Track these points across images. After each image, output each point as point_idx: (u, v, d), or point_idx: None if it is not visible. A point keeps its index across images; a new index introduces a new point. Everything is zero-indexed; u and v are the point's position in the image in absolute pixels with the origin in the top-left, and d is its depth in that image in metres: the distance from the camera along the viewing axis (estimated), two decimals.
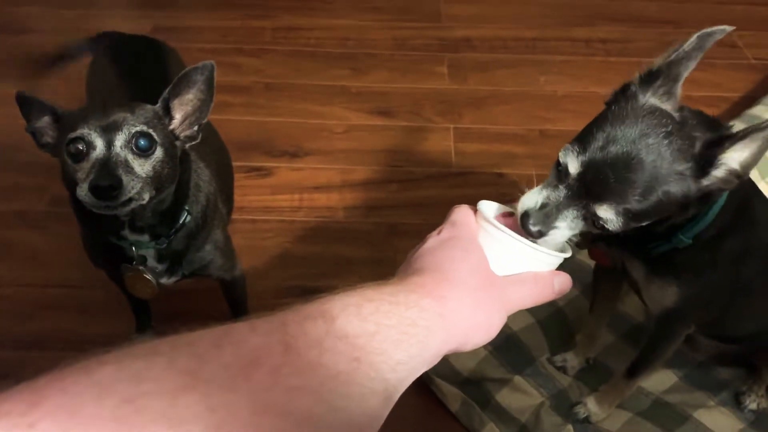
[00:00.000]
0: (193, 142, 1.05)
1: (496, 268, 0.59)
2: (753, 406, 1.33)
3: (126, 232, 1.05)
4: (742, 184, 0.90)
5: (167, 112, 1.01)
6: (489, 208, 0.67)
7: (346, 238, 1.74)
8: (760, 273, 1.08)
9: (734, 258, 1.02)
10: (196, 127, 1.03)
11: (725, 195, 0.92)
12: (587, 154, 0.78)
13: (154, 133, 0.95)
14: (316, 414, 0.41)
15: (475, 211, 0.64)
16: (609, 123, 0.79)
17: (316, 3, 2.68)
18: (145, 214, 1.03)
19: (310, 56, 2.42)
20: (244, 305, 1.38)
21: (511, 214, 0.72)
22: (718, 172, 0.79)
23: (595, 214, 0.78)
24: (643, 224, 0.82)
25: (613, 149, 0.77)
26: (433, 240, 0.59)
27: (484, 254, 0.59)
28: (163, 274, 1.14)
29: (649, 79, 0.81)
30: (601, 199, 0.77)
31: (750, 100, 2.13)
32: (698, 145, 0.78)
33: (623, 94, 0.83)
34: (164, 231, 1.07)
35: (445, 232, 0.60)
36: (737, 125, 0.89)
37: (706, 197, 0.82)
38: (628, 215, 0.78)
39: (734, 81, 2.26)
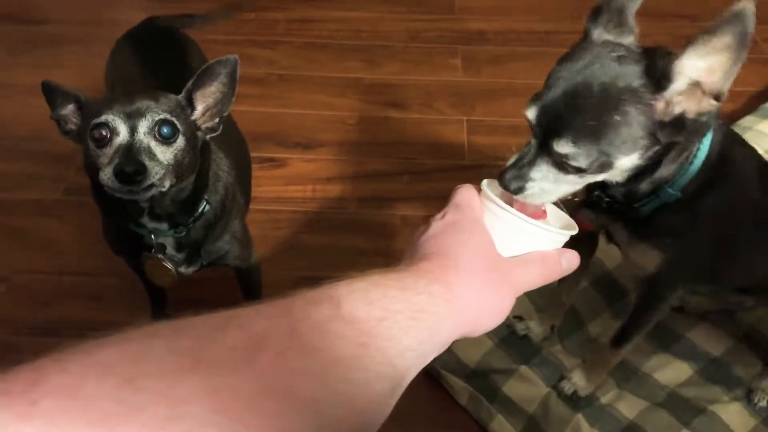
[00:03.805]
0: (214, 134, 1.06)
1: (502, 249, 0.58)
2: (763, 403, 1.32)
3: (145, 220, 1.06)
4: (723, 137, 0.90)
5: (190, 103, 1.02)
6: (493, 186, 0.65)
7: (358, 229, 1.74)
8: (748, 229, 1.05)
9: (715, 218, 0.99)
10: (217, 119, 1.04)
11: (707, 144, 0.90)
12: (541, 100, 0.79)
13: (177, 122, 0.96)
14: (320, 398, 0.41)
15: (479, 190, 0.63)
16: (559, 64, 0.80)
17: None
18: (165, 202, 1.04)
19: (324, 48, 2.42)
20: (259, 293, 1.39)
21: None
22: (678, 85, 0.74)
23: (558, 154, 0.77)
24: (621, 162, 0.80)
25: (562, 84, 0.77)
26: (437, 224, 0.58)
27: (490, 236, 0.58)
28: (182, 263, 1.15)
29: (596, 15, 0.81)
30: (557, 134, 0.77)
31: (767, 94, 2.12)
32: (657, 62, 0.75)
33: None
34: (183, 220, 1.08)
35: (450, 215, 0.59)
36: (753, 120, 0.89)
37: (678, 123, 0.78)
38: (590, 146, 0.76)
39: (751, 75, 2.23)
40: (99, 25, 2.40)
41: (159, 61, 1.39)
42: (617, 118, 0.75)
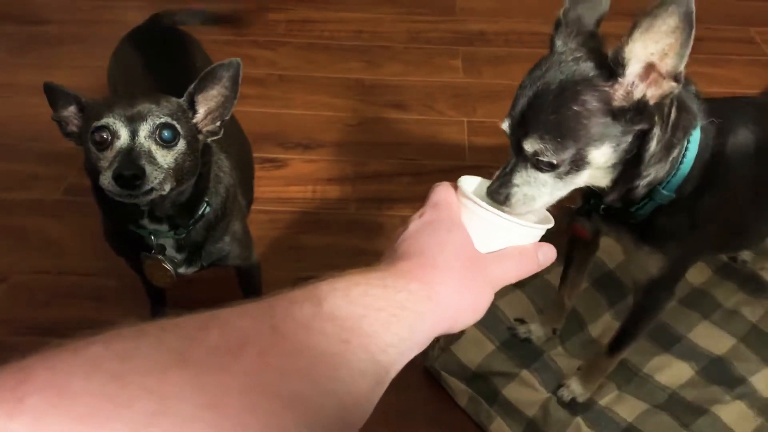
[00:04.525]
0: (215, 137, 1.06)
1: (480, 246, 0.59)
2: None
3: (145, 222, 1.06)
4: (717, 134, 0.91)
5: (191, 106, 1.02)
6: (470, 183, 0.66)
7: (358, 230, 1.74)
8: (752, 209, 1.07)
9: (716, 214, 1.01)
10: (218, 123, 1.04)
11: (695, 143, 0.91)
12: (512, 112, 0.83)
13: (178, 125, 0.96)
14: (305, 395, 0.41)
15: (456, 187, 0.63)
16: (526, 77, 0.83)
17: None
18: (165, 205, 1.04)
19: (324, 49, 2.42)
20: (259, 294, 1.37)
21: None
22: (633, 69, 0.76)
23: (529, 153, 0.81)
24: (593, 155, 0.81)
25: (527, 92, 0.81)
26: (415, 223, 0.59)
27: (467, 233, 0.59)
28: (181, 264, 1.15)
29: (557, 27, 0.85)
30: (525, 134, 0.80)
31: None
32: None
33: None
34: (183, 221, 1.08)
35: (428, 214, 0.60)
36: None
37: (641, 109, 0.79)
38: (555, 138, 0.79)
39: (752, 77, 2.23)
40: (99, 26, 2.40)
41: (163, 60, 1.39)
42: (576, 108, 0.78)
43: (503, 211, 0.62)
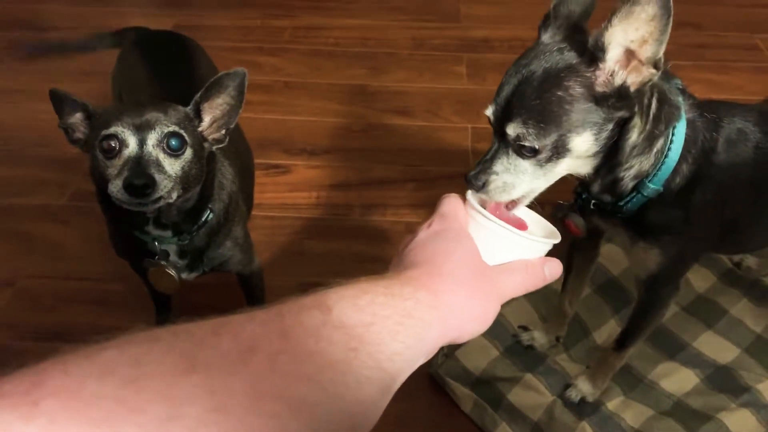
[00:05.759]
0: (220, 145, 1.06)
1: (487, 258, 0.59)
2: None
3: (150, 228, 1.07)
4: (706, 128, 0.92)
5: (197, 114, 1.03)
6: (478, 196, 0.68)
7: (363, 236, 1.75)
8: (748, 206, 1.06)
9: (710, 209, 1.00)
10: (223, 131, 1.05)
11: (680, 135, 0.91)
12: (496, 99, 0.85)
13: (185, 134, 0.97)
14: (313, 401, 0.42)
15: (465, 200, 0.64)
16: (511, 66, 0.85)
17: (336, 3, 2.70)
18: (171, 212, 1.05)
19: (329, 55, 2.43)
20: (262, 299, 1.39)
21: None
22: (612, 55, 0.78)
23: (512, 137, 0.82)
24: (575, 142, 0.82)
25: (511, 80, 0.83)
26: (424, 233, 0.60)
27: (475, 245, 0.59)
28: (184, 269, 1.16)
29: (545, 21, 0.86)
30: (508, 119, 0.82)
31: None
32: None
33: None
34: (187, 228, 1.09)
35: (436, 224, 0.61)
36: None
37: (623, 95, 0.80)
38: (538, 123, 0.80)
39: (755, 84, 2.23)
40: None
41: (166, 67, 1.39)
42: (559, 93, 0.80)
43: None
